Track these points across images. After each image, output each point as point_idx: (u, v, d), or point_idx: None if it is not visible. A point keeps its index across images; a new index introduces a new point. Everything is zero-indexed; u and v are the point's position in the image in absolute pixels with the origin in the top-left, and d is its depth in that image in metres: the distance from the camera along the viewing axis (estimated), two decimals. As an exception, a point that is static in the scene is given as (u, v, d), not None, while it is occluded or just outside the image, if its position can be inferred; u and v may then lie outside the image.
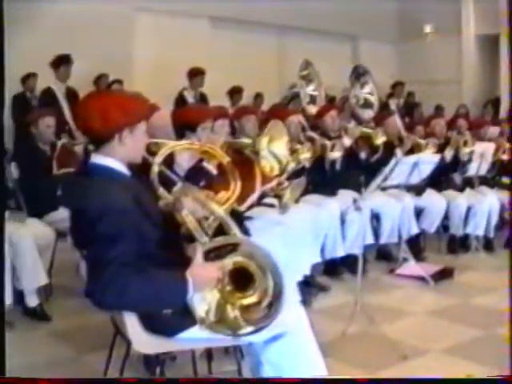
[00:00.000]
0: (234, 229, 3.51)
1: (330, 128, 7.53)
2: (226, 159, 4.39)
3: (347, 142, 7.32)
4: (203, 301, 3.31)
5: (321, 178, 7.06)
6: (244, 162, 5.00)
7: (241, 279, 3.36)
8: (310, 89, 8.90)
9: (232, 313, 3.34)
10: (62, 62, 9.59)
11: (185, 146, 4.51)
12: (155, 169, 3.98)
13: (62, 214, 6.12)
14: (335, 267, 7.05)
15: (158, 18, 11.97)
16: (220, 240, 3.42)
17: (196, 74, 10.75)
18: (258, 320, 3.32)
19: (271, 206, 5.96)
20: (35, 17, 10.18)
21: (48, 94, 9.58)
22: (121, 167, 3.45)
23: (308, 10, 13.04)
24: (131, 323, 3.37)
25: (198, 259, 3.28)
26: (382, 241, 7.53)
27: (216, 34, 12.64)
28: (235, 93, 11.86)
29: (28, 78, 10.22)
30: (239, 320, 3.32)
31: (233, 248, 3.36)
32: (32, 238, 5.62)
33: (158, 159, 4.03)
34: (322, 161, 7.13)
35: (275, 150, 5.01)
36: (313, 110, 8.49)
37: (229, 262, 3.35)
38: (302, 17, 13.17)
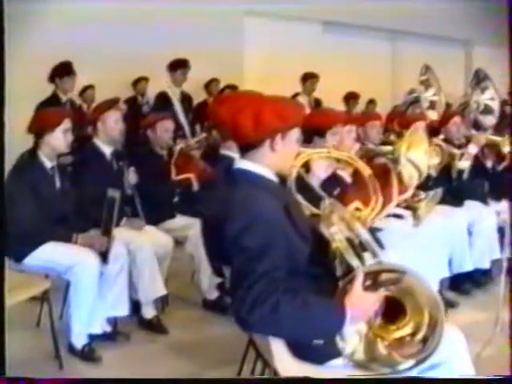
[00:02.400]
0: (380, 254, 3.06)
1: (455, 135, 7.04)
2: (367, 171, 3.98)
3: (474, 149, 6.79)
4: (350, 334, 2.88)
5: (447, 188, 6.55)
6: (380, 170, 4.58)
7: (390, 310, 2.93)
8: (430, 94, 8.40)
9: (383, 349, 2.90)
10: (179, 66, 9.26)
11: (323, 153, 4.09)
12: (293, 173, 3.58)
13: (180, 222, 5.91)
14: (462, 282, 6.51)
15: (270, 22, 11.59)
16: (381, 266, 2.96)
17: (310, 79, 10.35)
18: (415, 354, 2.87)
19: (399, 216, 5.50)
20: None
21: (162, 98, 9.27)
22: (270, 175, 3.07)
23: (422, 14, 12.50)
24: (277, 348, 2.97)
25: (357, 287, 2.83)
26: (508, 254, 6.95)
27: (328, 38, 12.21)
28: (351, 98, 11.41)
29: (139, 82, 10.07)
30: (395, 356, 2.87)
31: (394, 277, 2.90)
32: (151, 247, 5.29)
33: (298, 163, 3.63)
34: (448, 169, 6.62)
35: (414, 157, 4.56)
36: (433, 115, 7.99)
37: (383, 292, 2.91)
38: (416, 21, 12.62)
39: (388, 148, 4.82)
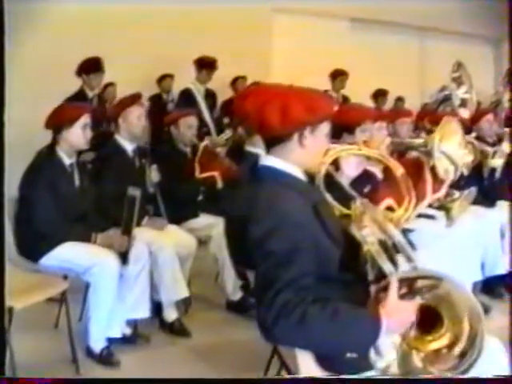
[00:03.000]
0: (415, 259, 2.81)
1: (487, 133, 6.82)
2: (399, 170, 3.73)
3: (507, 148, 6.52)
4: (385, 347, 2.61)
5: (479, 188, 6.29)
6: (413, 165, 4.34)
7: (426, 319, 2.67)
8: (461, 91, 8.17)
9: (419, 361, 2.64)
10: (205, 65, 9.11)
11: (353, 151, 3.83)
12: (322, 170, 3.34)
13: (203, 221, 5.73)
14: (495, 285, 6.24)
15: (297, 19, 11.33)
16: (417, 272, 2.70)
17: (339, 76, 10.11)
18: (452, 368, 2.62)
19: (430, 217, 5.24)
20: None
21: (186, 94, 9.08)
22: (298, 172, 2.83)
23: (450, 11, 12.21)
24: (304, 360, 2.73)
25: (392, 295, 2.57)
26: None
27: (356, 35, 11.93)
28: (380, 95, 11.14)
29: (164, 79, 9.87)
30: (431, 369, 2.62)
31: (431, 284, 2.65)
32: (173, 248, 5.06)
33: (327, 160, 3.40)
34: (480, 168, 6.35)
35: (448, 149, 4.31)
36: (465, 113, 7.75)
37: (419, 300, 2.65)
38: (444, 19, 12.33)
39: (419, 140, 4.57)
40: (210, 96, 9.29)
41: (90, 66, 7.60)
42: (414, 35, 13.03)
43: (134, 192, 4.61)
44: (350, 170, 4.08)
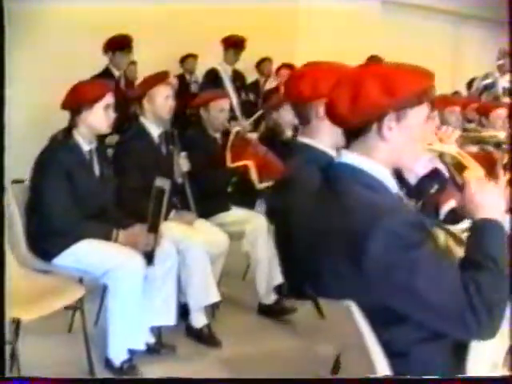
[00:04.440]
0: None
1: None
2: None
3: None
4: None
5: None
6: (483, 160, 3.71)
7: None
8: (505, 80, 7.56)
9: None
10: (233, 45, 8.51)
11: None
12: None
13: (235, 216, 5.10)
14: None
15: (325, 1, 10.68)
16: None
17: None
18: None
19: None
20: None
21: (212, 75, 8.49)
22: (381, 173, 2.14)
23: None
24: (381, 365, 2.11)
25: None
26: None
27: (387, 19, 11.29)
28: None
29: (187, 59, 9.22)
30: None
31: None
32: (203, 246, 4.42)
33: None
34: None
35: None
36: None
37: None
38: (480, 5, 11.70)
39: (495, 133, 3.94)
40: (238, 78, 8.70)
41: (118, 44, 6.92)
42: (448, 22, 12.44)
43: (163, 183, 4.02)
44: (419, 168, 3.44)
